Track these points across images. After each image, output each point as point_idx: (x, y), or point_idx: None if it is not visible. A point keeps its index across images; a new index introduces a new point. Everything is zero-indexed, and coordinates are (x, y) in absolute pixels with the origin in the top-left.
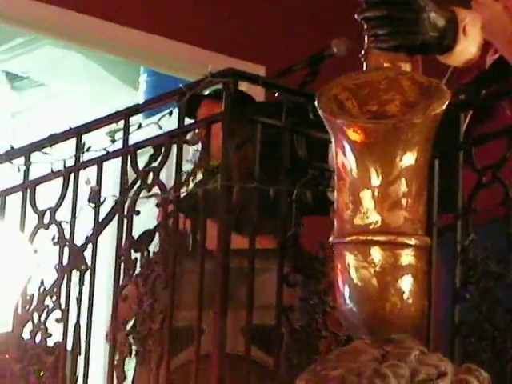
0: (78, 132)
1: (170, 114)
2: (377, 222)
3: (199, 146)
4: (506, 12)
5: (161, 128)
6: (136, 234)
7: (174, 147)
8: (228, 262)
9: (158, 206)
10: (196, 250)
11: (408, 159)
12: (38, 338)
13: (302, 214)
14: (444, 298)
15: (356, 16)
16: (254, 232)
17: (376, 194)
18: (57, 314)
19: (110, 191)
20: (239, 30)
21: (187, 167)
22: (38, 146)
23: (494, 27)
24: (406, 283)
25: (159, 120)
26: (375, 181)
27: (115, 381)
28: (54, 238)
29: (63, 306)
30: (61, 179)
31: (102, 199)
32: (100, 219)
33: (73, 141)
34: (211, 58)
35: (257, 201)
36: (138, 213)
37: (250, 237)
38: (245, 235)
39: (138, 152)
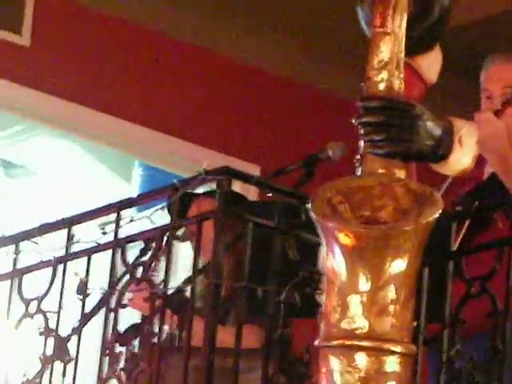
0: (69, 223)
1: (163, 208)
2: (364, 327)
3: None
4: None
5: (153, 222)
6: (123, 326)
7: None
8: (213, 359)
9: (145, 300)
10: (182, 346)
11: (398, 266)
12: None
13: (290, 316)
14: None
15: (353, 121)
16: (240, 331)
17: (364, 299)
18: None
19: (99, 282)
20: (236, 129)
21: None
22: (28, 234)
23: (492, 145)
24: None
25: (151, 214)
26: (364, 286)
27: None
28: (39, 327)
29: None
30: (49, 269)
31: (89, 291)
32: (87, 311)
33: (63, 231)
34: (207, 155)
35: (245, 299)
36: (124, 306)
37: (236, 335)
38: (229, 326)
39: (129, 245)
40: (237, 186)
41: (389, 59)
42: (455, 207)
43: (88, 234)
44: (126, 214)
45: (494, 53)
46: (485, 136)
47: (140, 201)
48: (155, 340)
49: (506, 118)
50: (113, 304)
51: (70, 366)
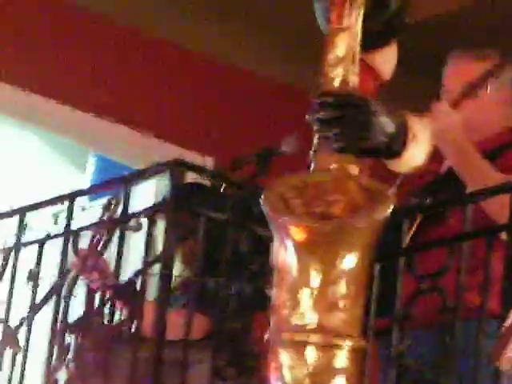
0: (21, 211)
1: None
2: (313, 322)
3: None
4: (462, 124)
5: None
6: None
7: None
8: (162, 350)
9: (94, 290)
10: (131, 336)
11: (349, 261)
12: None
13: (241, 308)
14: None
15: (307, 116)
16: (190, 324)
17: (315, 293)
18: None
19: (50, 272)
20: (189, 120)
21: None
22: None
23: (447, 137)
24: None
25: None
26: (315, 281)
27: None
28: None
29: None
30: (0, 256)
31: (40, 280)
32: (37, 300)
33: (15, 219)
34: (160, 146)
35: (196, 292)
36: (74, 296)
37: (185, 327)
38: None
39: (82, 234)
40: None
41: (344, 55)
42: (411, 198)
43: (41, 223)
44: (79, 203)
45: (454, 49)
46: (440, 127)
47: (93, 191)
48: (104, 330)
49: (462, 111)
50: (63, 293)
51: (20, 356)
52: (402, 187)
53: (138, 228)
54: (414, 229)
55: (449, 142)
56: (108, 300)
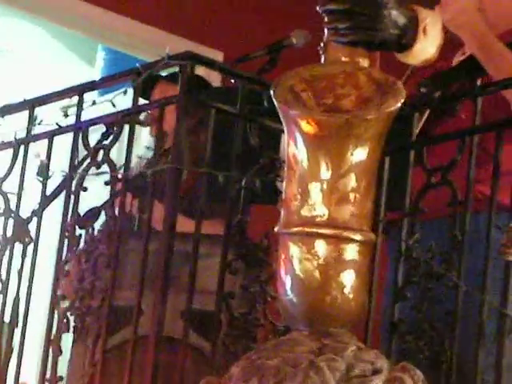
0: (31, 104)
1: (125, 92)
2: (323, 215)
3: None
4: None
5: (115, 106)
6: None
7: (127, 127)
8: (172, 244)
9: (106, 184)
10: (141, 230)
11: (359, 155)
12: None
13: (250, 202)
14: (388, 295)
15: (317, 8)
16: (201, 216)
17: (325, 187)
18: None
19: (61, 166)
20: (199, 14)
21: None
22: None
23: (462, 20)
24: (348, 278)
25: (113, 98)
26: (325, 174)
27: (50, 355)
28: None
29: (3, 278)
30: (10, 150)
31: (50, 174)
32: (47, 193)
33: (25, 113)
34: (170, 40)
35: (206, 186)
36: (85, 189)
37: (196, 220)
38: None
39: (91, 129)
40: (200, 72)
41: None
42: (419, 89)
43: (50, 116)
44: (89, 97)
45: None
46: (454, 11)
47: (102, 84)
48: (115, 223)
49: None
50: (73, 187)
51: (30, 248)
52: (411, 80)
53: (149, 122)
54: (422, 122)
55: (465, 26)
56: (117, 194)
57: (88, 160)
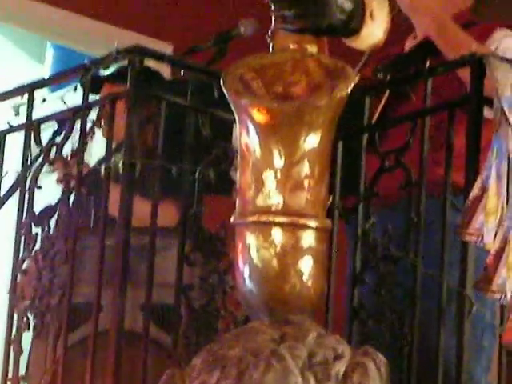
0: None
1: (75, 89)
2: (278, 203)
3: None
4: None
5: (65, 103)
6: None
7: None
8: (128, 238)
9: (59, 181)
10: (98, 226)
11: (312, 141)
12: None
13: (205, 193)
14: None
15: None
16: (155, 211)
17: (279, 175)
18: None
19: (14, 165)
20: (148, 7)
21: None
22: None
23: (421, 4)
24: (306, 265)
25: (64, 95)
26: (278, 162)
27: (12, 355)
28: None
29: None
30: None
31: (4, 173)
32: (1, 193)
33: None
34: (119, 34)
35: (159, 179)
36: (39, 187)
37: (151, 214)
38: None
39: (43, 127)
40: (151, 65)
41: None
42: (376, 74)
43: (1, 115)
44: (39, 95)
45: None
46: None
47: (52, 81)
48: (69, 220)
49: None
50: (27, 186)
51: None
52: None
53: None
54: (381, 107)
55: (424, 10)
56: (72, 189)
57: (41, 158)
